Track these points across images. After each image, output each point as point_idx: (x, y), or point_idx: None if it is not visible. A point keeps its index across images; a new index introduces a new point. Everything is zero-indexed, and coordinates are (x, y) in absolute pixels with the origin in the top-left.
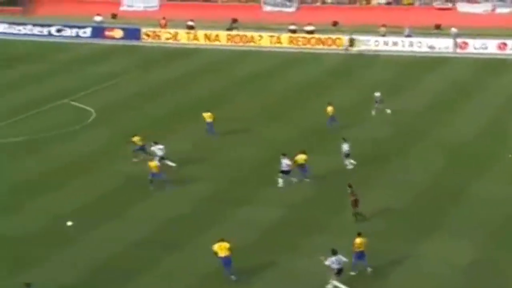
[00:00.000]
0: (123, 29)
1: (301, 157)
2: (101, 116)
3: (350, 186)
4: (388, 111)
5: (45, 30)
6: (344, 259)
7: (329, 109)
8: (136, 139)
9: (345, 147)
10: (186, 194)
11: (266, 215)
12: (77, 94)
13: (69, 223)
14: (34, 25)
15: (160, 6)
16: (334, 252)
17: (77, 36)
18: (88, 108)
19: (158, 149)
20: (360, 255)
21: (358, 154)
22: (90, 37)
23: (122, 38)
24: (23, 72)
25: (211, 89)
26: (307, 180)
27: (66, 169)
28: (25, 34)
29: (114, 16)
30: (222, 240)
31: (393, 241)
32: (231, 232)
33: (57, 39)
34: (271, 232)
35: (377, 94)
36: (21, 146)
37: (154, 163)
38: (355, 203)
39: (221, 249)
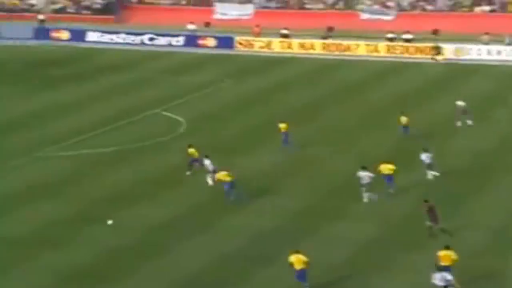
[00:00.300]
0: (216, 37)
1: (386, 167)
2: (192, 127)
3: (426, 201)
4: (470, 122)
5: (137, 39)
6: (449, 276)
7: (403, 119)
8: (191, 151)
9: (424, 156)
10: (276, 207)
11: (359, 231)
12: (169, 104)
13: (110, 222)
14: (127, 33)
15: (254, 13)
16: (439, 269)
17: (170, 44)
18: (179, 118)
19: (209, 163)
20: (446, 270)
21: (454, 166)
22: (182, 45)
23: (215, 47)
24: (115, 81)
25: (305, 99)
26: (391, 191)
27: (157, 180)
28: (117, 43)
29: (207, 24)
30: (297, 251)
31: (485, 258)
32: (321, 248)
33: (150, 48)
34: (364, 249)
35: (460, 103)
36: (113, 156)
37: (222, 174)
38: (433, 218)
39: (297, 261)
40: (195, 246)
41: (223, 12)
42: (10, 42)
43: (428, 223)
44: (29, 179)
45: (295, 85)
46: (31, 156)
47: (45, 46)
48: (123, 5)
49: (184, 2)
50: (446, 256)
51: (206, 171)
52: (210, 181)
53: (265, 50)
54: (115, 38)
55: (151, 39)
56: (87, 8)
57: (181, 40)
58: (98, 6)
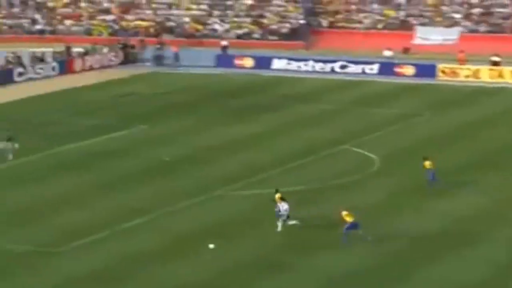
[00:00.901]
0: (415, 65)
1: None
2: (386, 165)
3: None
4: None
5: (327, 67)
6: None
7: None
8: (277, 196)
9: None
10: (480, 258)
11: None
12: (360, 139)
13: (211, 246)
14: (316, 61)
15: (460, 38)
16: None
17: (363, 73)
18: (371, 155)
19: (284, 209)
20: None
21: None
22: (377, 74)
23: (414, 76)
24: (301, 113)
25: None
26: None
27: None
28: (305, 71)
29: (405, 50)
30: None
31: None
32: None
33: (341, 76)
34: None
35: None
36: (297, 196)
37: (345, 213)
38: None
39: None
40: None
41: (425, 37)
42: (190, 70)
43: None
44: (207, 219)
45: (506, 119)
46: (210, 194)
47: (227, 74)
48: (313, 30)
49: (380, 26)
50: None
51: (279, 216)
52: (279, 227)
53: (472, 79)
54: (302, 65)
55: (342, 66)
56: (274, 33)
57: (375, 68)
58: (286, 30)
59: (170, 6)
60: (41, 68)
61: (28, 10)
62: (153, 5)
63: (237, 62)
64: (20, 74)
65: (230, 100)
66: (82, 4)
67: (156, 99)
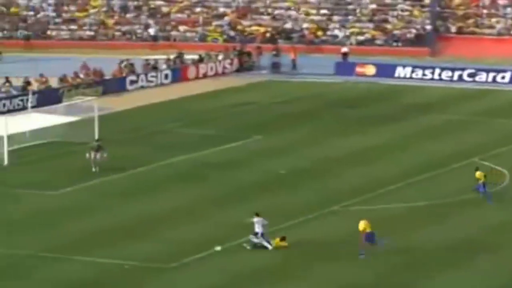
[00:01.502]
0: None
1: None
2: None
3: None
4: None
5: (455, 75)
6: None
7: None
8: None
9: None
10: None
11: None
12: (489, 152)
13: (218, 248)
14: (442, 69)
15: None
16: None
17: (494, 81)
18: (502, 169)
19: (257, 223)
20: None
21: None
22: (509, 83)
23: None
24: (426, 124)
25: None
26: None
27: (471, 243)
28: (431, 80)
29: None
30: None
31: None
32: None
33: (469, 85)
34: None
35: None
36: (422, 212)
37: (363, 223)
38: None
39: None
40: None
41: None
42: (308, 78)
43: None
44: (323, 236)
45: None
46: (327, 209)
47: (347, 82)
48: (440, 36)
49: None
50: None
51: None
52: (249, 246)
53: None
54: (428, 73)
55: (471, 75)
56: (398, 39)
57: (508, 76)
58: (411, 36)
59: (288, 10)
60: (153, 76)
61: (142, 16)
62: (270, 10)
63: (358, 70)
64: (132, 82)
65: (350, 109)
66: (197, 9)
67: (272, 109)
